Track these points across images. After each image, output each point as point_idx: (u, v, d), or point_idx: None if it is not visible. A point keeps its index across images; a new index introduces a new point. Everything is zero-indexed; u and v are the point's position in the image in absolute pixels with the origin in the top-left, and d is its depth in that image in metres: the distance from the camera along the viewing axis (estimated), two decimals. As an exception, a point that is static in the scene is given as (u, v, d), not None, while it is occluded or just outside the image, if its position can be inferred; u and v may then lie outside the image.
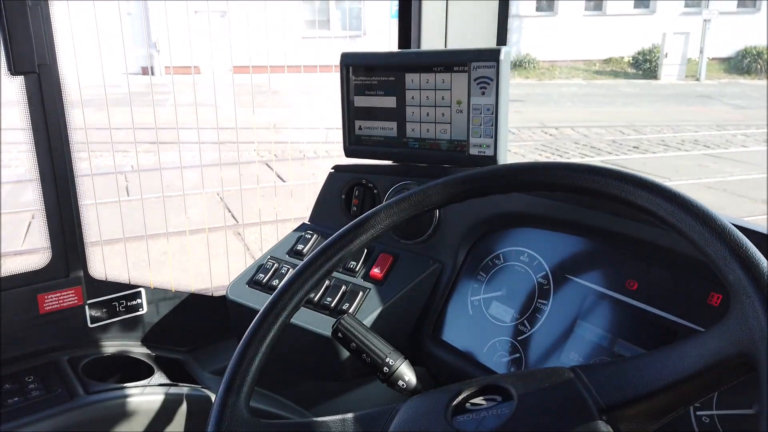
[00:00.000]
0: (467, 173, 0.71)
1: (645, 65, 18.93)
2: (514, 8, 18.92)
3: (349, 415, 0.66)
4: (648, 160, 8.23)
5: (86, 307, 1.24)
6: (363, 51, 1.15)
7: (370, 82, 1.15)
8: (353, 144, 1.20)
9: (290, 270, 1.10)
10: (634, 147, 9.12)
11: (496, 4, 1.33)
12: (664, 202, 0.59)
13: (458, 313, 0.99)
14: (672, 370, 0.53)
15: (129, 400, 1.11)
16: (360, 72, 1.15)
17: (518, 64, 18.37)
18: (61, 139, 1.15)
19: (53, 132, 1.14)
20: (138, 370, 1.24)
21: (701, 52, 18.27)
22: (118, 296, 1.27)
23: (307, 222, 1.25)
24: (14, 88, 1.11)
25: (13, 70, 1.08)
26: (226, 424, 0.64)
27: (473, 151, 1.08)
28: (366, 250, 1.09)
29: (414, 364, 0.79)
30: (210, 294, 1.38)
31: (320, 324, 0.99)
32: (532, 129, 10.28)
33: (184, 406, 1.16)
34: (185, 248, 4.19)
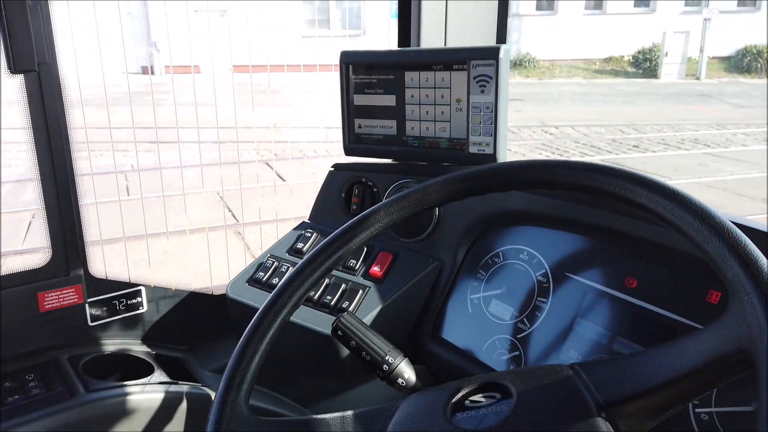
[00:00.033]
0: (466, 171, 0.71)
1: (645, 64, 18.91)
2: (514, 7, 18.92)
3: (349, 413, 0.66)
4: (648, 159, 8.23)
5: (86, 305, 1.24)
6: (362, 49, 1.15)
7: (370, 80, 1.15)
8: (353, 142, 1.20)
9: (290, 268, 1.11)
10: (634, 146, 9.11)
11: (495, 4, 1.33)
12: (663, 200, 0.59)
13: (458, 312, 1.00)
14: (670, 367, 0.54)
15: (129, 398, 1.11)
16: (360, 70, 1.15)
17: (518, 63, 18.36)
18: (61, 137, 1.15)
19: (53, 130, 1.14)
20: (138, 369, 1.24)
21: (701, 50, 18.26)
22: (118, 295, 1.27)
23: (307, 220, 1.25)
24: (14, 87, 1.11)
25: (13, 69, 1.08)
26: (225, 422, 0.64)
27: (473, 149, 1.08)
28: (366, 249, 1.10)
29: (413, 362, 0.79)
30: (210, 292, 1.38)
31: (320, 322, 0.99)
32: (532, 128, 10.28)
33: (184, 404, 1.16)
34: (185, 247, 4.19)
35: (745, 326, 0.50)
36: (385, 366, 0.76)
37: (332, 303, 1.01)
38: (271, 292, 0.72)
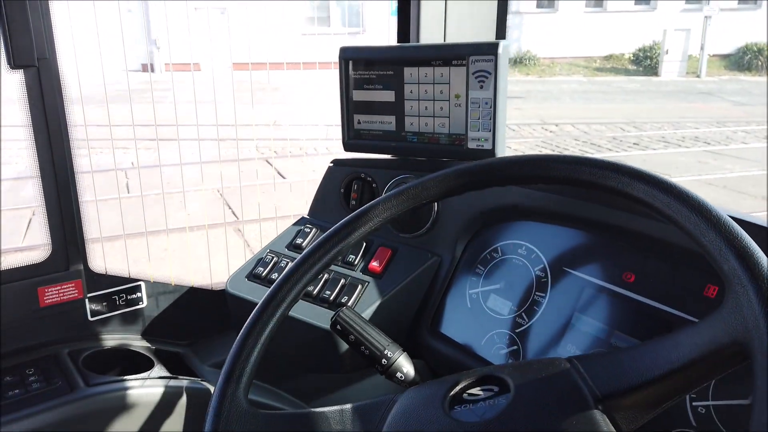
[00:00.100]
0: (465, 166, 0.71)
1: (645, 62, 18.90)
2: (514, 5, 18.91)
3: (347, 406, 0.66)
4: (648, 157, 8.23)
5: (86, 300, 1.24)
6: (362, 45, 1.15)
7: (369, 76, 1.15)
8: (352, 138, 1.20)
9: (289, 263, 1.11)
10: (634, 144, 9.11)
11: (494, 4, 1.33)
12: (660, 194, 0.59)
13: (456, 306, 1.00)
14: (667, 360, 0.54)
15: (129, 392, 1.12)
16: (359, 66, 1.16)
17: (519, 61, 18.35)
18: (60, 132, 1.15)
19: (53, 126, 1.14)
20: (138, 364, 1.24)
21: (702, 48, 18.25)
22: (118, 290, 1.28)
23: (306, 216, 1.26)
24: (14, 84, 1.11)
25: (13, 64, 1.08)
26: (225, 415, 0.65)
27: (471, 144, 1.08)
28: (365, 244, 1.10)
29: (412, 356, 0.79)
30: (210, 288, 1.38)
31: (319, 317, 0.99)
32: (532, 126, 10.28)
33: (183, 399, 1.16)
34: (185, 245, 4.19)
35: (741, 318, 0.50)
36: (384, 360, 0.77)
37: (331, 298, 1.02)
38: (270, 287, 0.72)
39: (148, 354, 1.28)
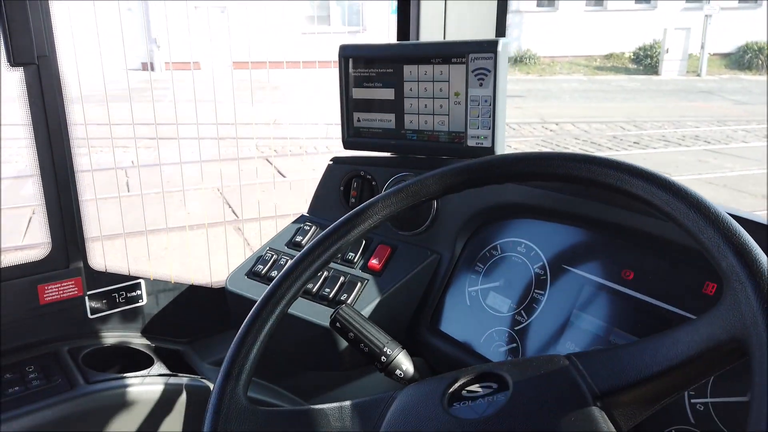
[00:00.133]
0: (464, 163, 0.71)
1: (646, 61, 18.89)
2: (514, 4, 18.90)
3: (347, 403, 0.67)
4: (648, 156, 8.23)
5: (86, 298, 1.24)
6: (361, 43, 1.15)
7: (369, 74, 1.15)
8: (352, 136, 1.20)
9: (289, 261, 1.11)
10: (634, 142, 9.11)
11: (494, 2, 1.33)
12: (659, 191, 0.59)
13: (456, 304, 1.00)
14: (665, 356, 0.54)
15: (129, 390, 1.12)
16: (358, 64, 1.16)
17: (519, 60, 18.34)
18: (60, 131, 1.15)
19: (53, 124, 1.14)
20: (138, 361, 1.24)
21: (702, 47, 18.23)
22: (117, 287, 1.28)
23: (306, 214, 1.26)
24: (14, 83, 1.11)
25: (13, 61, 1.08)
26: (224, 412, 0.65)
27: (471, 142, 1.08)
28: (364, 242, 1.10)
29: (412, 354, 0.79)
30: (209, 285, 1.38)
31: (319, 314, 0.99)
32: (532, 125, 10.28)
33: (183, 396, 1.17)
34: (185, 243, 4.20)
35: (739, 315, 0.51)
36: (383, 357, 0.77)
37: (331, 295, 1.02)
38: (269, 285, 0.72)
39: (147, 351, 1.28)
